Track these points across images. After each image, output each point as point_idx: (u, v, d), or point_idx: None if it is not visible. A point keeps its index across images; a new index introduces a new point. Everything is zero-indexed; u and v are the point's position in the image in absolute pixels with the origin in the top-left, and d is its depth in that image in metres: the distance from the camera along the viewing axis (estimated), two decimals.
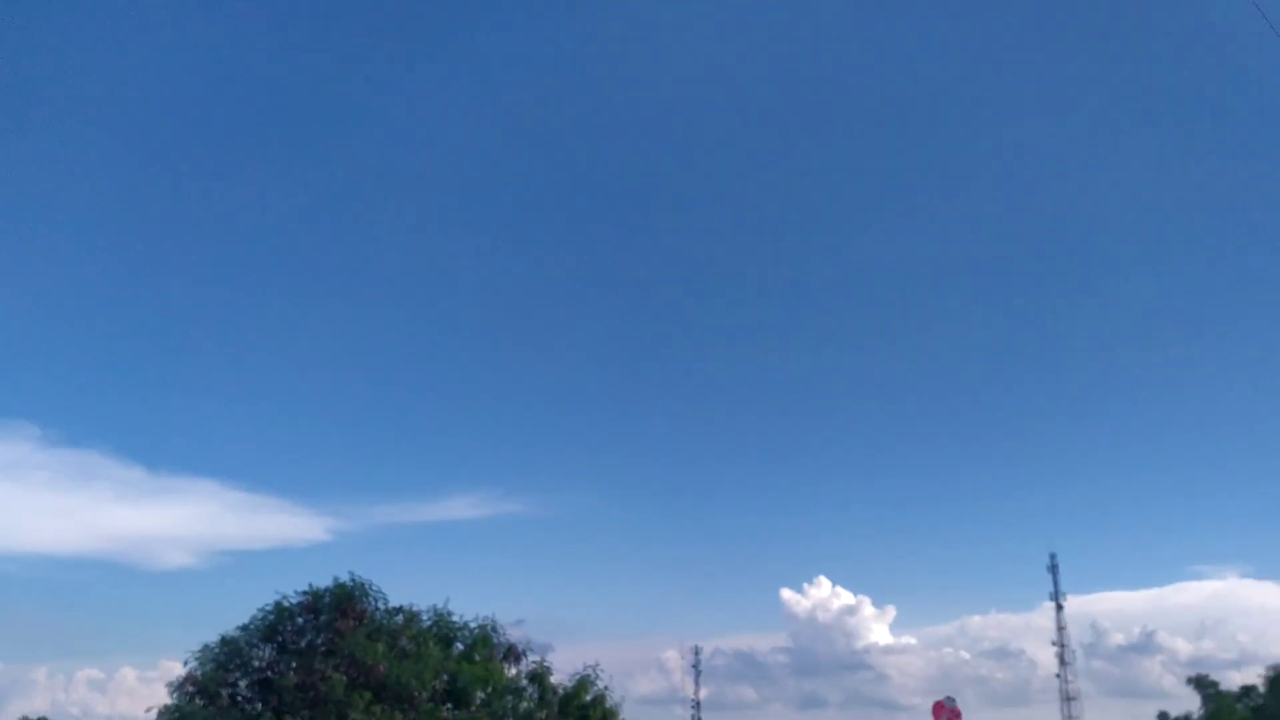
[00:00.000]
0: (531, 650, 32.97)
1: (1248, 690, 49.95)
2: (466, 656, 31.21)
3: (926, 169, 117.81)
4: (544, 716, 31.64)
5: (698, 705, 70.23)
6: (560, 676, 32.92)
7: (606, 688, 33.15)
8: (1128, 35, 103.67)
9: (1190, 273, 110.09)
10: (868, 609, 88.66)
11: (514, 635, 32.89)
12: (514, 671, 32.29)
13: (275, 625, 29.44)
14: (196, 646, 28.62)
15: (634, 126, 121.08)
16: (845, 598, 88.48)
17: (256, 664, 29.21)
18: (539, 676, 32.56)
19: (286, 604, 29.72)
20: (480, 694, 30.60)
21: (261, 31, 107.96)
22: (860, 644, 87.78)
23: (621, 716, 33.23)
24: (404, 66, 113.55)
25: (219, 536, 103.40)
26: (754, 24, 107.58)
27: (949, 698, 30.24)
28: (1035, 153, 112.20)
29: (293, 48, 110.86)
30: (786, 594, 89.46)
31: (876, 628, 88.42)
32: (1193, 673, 53.28)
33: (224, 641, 28.95)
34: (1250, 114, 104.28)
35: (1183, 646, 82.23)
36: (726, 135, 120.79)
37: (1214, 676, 52.09)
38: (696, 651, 72.34)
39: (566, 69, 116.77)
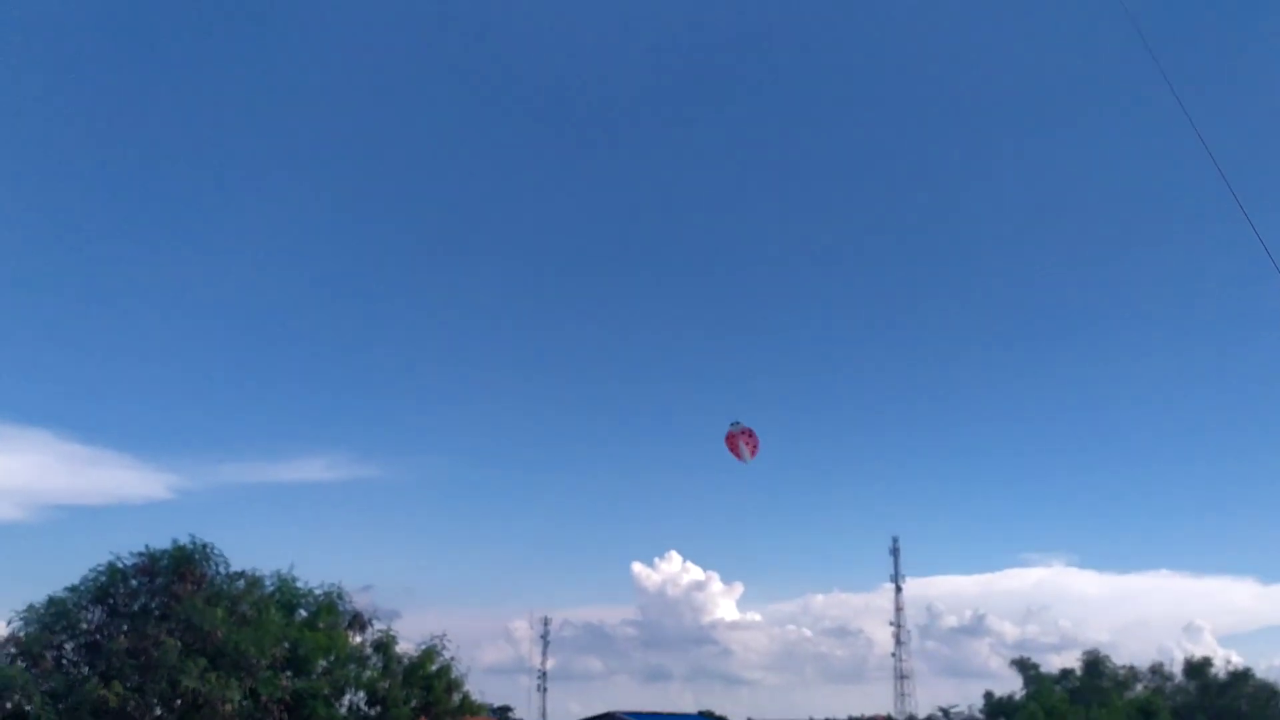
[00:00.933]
0: (378, 618, 32.96)
1: (1066, 673, 53.74)
2: (310, 624, 30.93)
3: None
4: (388, 686, 31.66)
5: (544, 675, 71.41)
6: (407, 645, 33.05)
7: (453, 658, 33.40)
8: None
9: (1041, 278, 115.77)
10: (716, 585, 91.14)
11: (360, 602, 32.80)
12: (359, 640, 32.21)
13: (107, 587, 28.52)
14: (21, 606, 27.60)
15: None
16: (695, 573, 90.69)
17: (85, 627, 28.27)
18: (384, 645, 32.56)
19: (120, 565, 28.81)
20: (323, 662, 30.45)
21: None
22: (707, 619, 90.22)
23: (467, 687, 33.50)
24: None
25: (50, 490, 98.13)
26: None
27: (734, 423, 29.08)
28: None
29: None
30: (637, 567, 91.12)
31: (724, 603, 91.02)
32: (1017, 655, 56.84)
33: (51, 602, 27.92)
34: None
35: (1010, 630, 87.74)
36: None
37: (1036, 659, 55.83)
38: (545, 622, 73.51)
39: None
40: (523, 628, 76.93)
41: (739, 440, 28.39)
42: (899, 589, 74.05)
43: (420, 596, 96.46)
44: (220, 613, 28.21)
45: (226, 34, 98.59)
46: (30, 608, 27.64)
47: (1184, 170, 79.45)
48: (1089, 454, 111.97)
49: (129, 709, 25.92)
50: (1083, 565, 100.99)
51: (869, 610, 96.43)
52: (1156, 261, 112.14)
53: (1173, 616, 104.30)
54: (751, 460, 28.87)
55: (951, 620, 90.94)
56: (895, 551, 74.50)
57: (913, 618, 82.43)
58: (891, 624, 74.52)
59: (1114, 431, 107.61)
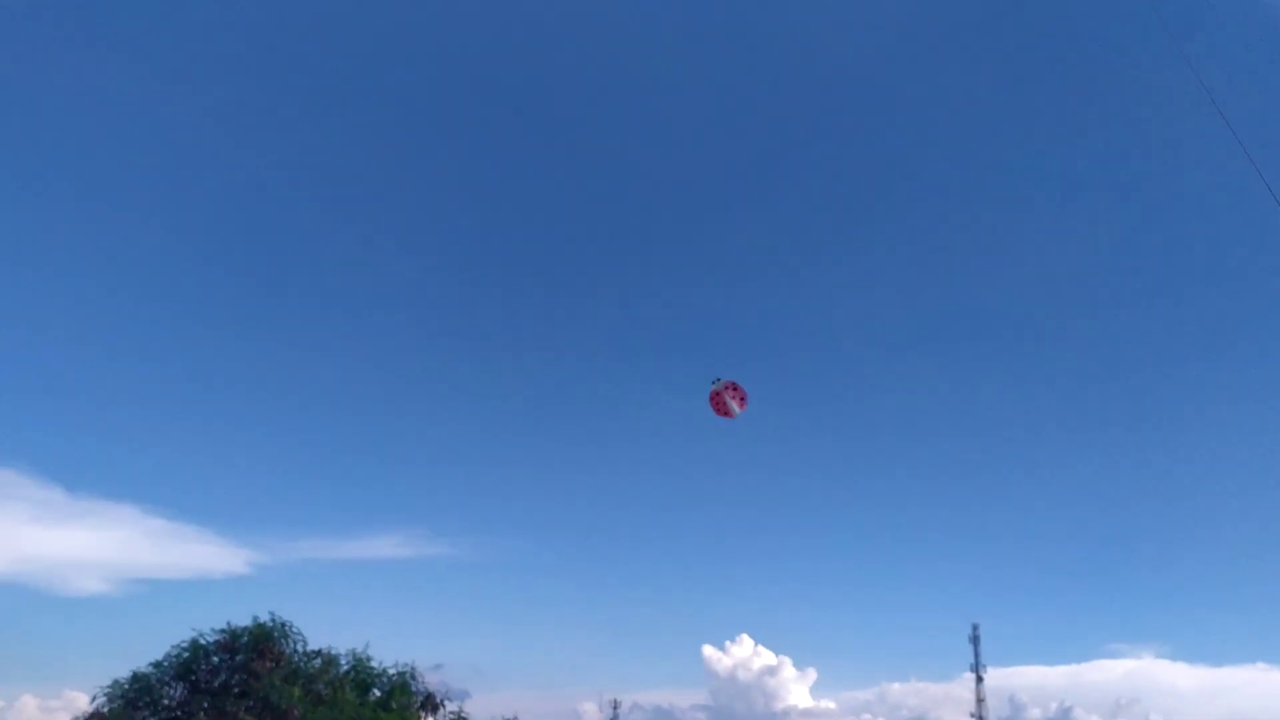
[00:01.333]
0: (450, 698, 32.90)
1: None
2: (383, 704, 31.00)
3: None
4: None
5: None
6: None
7: None
8: None
9: (1124, 368, 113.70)
10: (789, 670, 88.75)
11: (432, 682, 32.81)
12: None
13: (189, 663, 29.04)
14: (104, 677, 28.32)
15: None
16: (767, 657, 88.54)
17: (167, 702, 28.72)
18: None
19: (202, 641, 29.36)
20: None
21: None
22: (780, 705, 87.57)
23: None
24: None
25: (135, 564, 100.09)
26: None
27: (715, 380, 26.71)
28: None
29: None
30: (708, 651, 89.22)
31: (796, 689, 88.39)
32: None
33: (135, 678, 28.50)
34: None
35: None
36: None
37: None
38: (615, 705, 72.14)
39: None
40: (591, 710, 75.84)
41: (724, 397, 26.46)
42: (980, 679, 71.49)
43: (490, 676, 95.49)
44: (297, 691, 28.49)
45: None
46: (115, 683, 28.29)
47: None
48: (1180, 541, 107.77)
49: None
50: (1175, 657, 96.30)
51: (948, 700, 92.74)
52: (1250, 351, 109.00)
53: (1270, 711, 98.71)
54: (742, 413, 26.60)
55: (1036, 713, 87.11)
56: (975, 639, 72.08)
57: (995, 709, 79.09)
58: (972, 715, 71.78)
59: (1208, 519, 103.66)
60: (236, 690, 28.70)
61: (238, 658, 29.30)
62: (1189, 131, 77.26)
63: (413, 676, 32.26)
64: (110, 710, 27.70)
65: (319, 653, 31.12)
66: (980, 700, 70.94)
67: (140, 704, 28.24)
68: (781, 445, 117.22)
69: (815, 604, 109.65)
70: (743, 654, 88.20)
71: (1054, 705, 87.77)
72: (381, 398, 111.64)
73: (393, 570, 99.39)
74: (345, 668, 31.42)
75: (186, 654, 29.07)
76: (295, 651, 30.37)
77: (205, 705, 28.33)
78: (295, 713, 27.88)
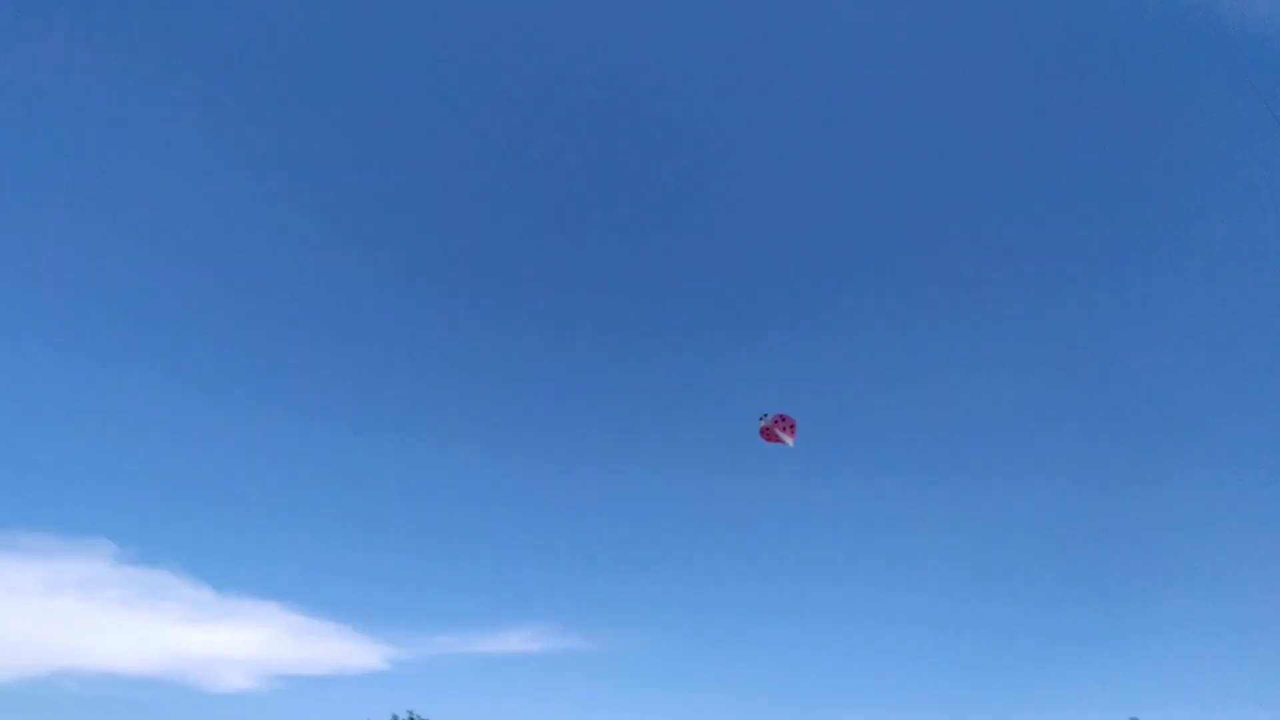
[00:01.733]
0: None
1: None
2: None
3: None
4: None
5: None
6: None
7: None
8: None
9: None
10: None
11: None
12: None
13: None
14: None
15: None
16: None
17: None
18: None
19: None
20: None
21: None
22: None
23: None
24: None
25: (279, 660, 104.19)
26: None
27: (763, 416, 26.81)
28: None
29: None
30: None
31: None
32: None
33: None
34: None
35: None
36: None
37: None
38: None
39: None
40: None
41: (775, 431, 27.97)
42: None
43: None
44: None
45: None
46: None
47: None
48: None
49: None
50: None
51: None
52: None
53: None
54: (794, 442, 28.19)
55: None
56: None
57: None
58: None
59: None
60: None
61: None
62: None
63: None
64: None
65: None
66: None
67: None
68: (938, 552, 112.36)
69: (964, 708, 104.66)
70: None
71: None
72: (513, 492, 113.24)
73: (526, 664, 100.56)
74: None
75: None
76: None
77: None
78: None
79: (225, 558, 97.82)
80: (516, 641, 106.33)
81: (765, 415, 28.21)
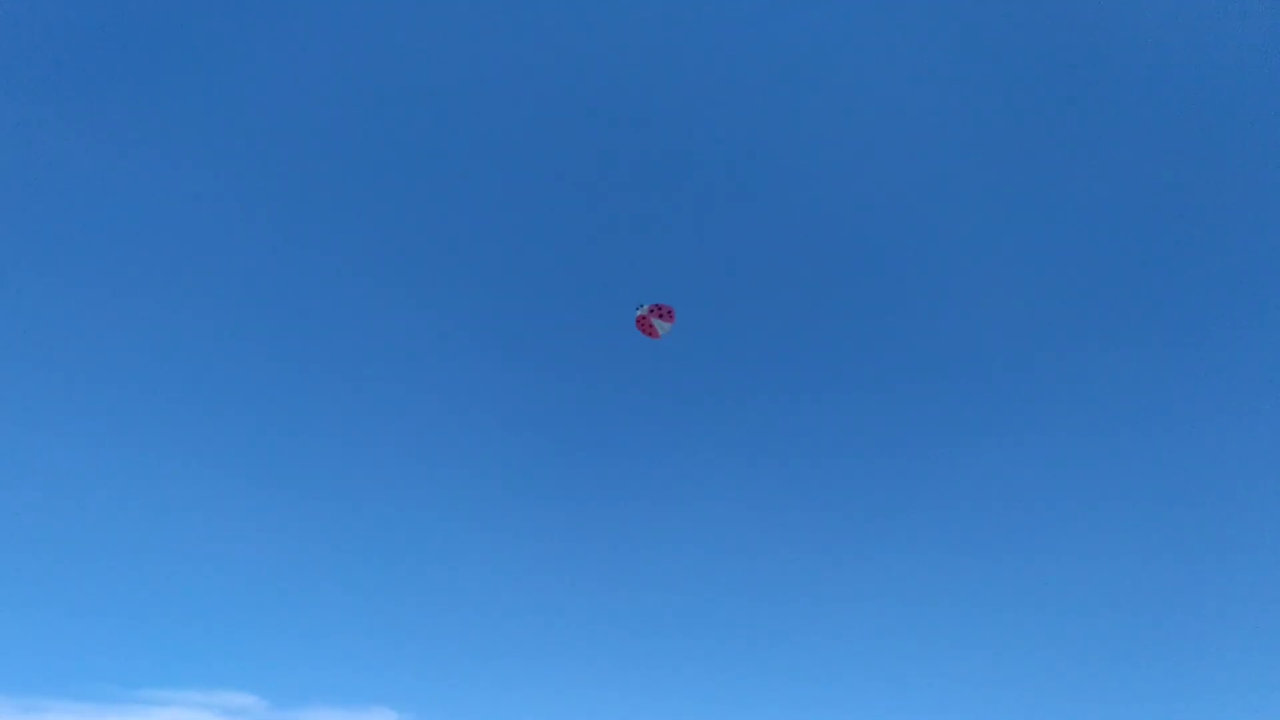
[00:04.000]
0: None
1: None
2: None
3: None
4: None
5: None
6: None
7: None
8: None
9: None
10: None
11: None
12: None
13: None
14: None
15: None
16: None
17: None
18: None
19: None
20: None
21: None
22: None
23: None
24: None
25: None
26: None
27: (639, 306, 26.57)
28: None
29: None
30: None
31: None
32: None
33: None
34: None
35: None
36: None
37: None
38: None
39: None
40: None
41: (650, 320, 28.06)
42: None
43: None
44: None
45: None
46: None
47: None
48: None
49: None
50: None
51: None
52: None
53: None
54: (669, 328, 28.10)
55: None
56: None
57: None
58: None
59: None
60: None
61: None
62: None
63: None
64: None
65: None
66: None
67: None
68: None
69: None
70: None
71: None
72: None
73: None
74: None
75: None
76: None
77: None
78: None
79: (435, 698, 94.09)
80: None
81: (642, 305, 27.97)
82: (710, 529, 73.79)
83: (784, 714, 62.27)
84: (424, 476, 74.29)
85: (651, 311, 27.71)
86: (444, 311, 79.29)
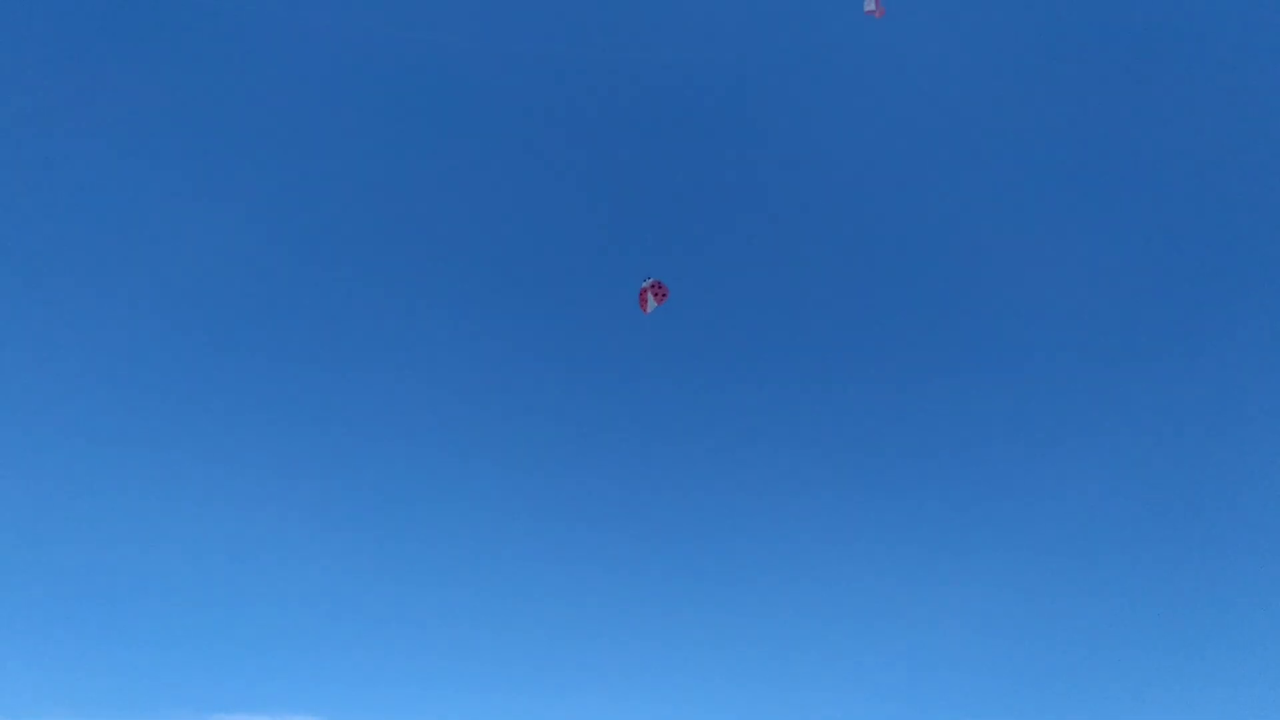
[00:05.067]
0: None
1: None
2: None
3: None
4: None
5: None
6: None
7: None
8: None
9: None
10: None
11: None
12: None
13: None
14: None
15: None
16: None
17: None
18: None
19: None
20: None
21: None
22: None
23: None
24: None
25: None
26: None
27: (647, 279, 29.23)
28: None
29: None
30: None
31: None
32: None
33: None
34: None
35: None
36: None
37: None
38: None
39: None
40: None
41: (647, 294, 29.31)
42: None
43: None
44: None
45: None
46: None
47: None
48: None
49: None
50: None
51: None
52: None
53: None
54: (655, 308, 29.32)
55: None
56: None
57: None
58: None
59: None
60: None
61: None
62: None
63: None
64: None
65: None
66: None
67: None
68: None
69: None
70: None
71: None
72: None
73: None
74: None
75: None
76: None
77: None
78: None
79: None
80: None
81: (648, 279, 29.81)
82: (712, 522, 73.64)
83: (784, 711, 61.96)
84: (469, 507, 73.95)
85: (653, 286, 29.15)
86: (444, 311, 78.64)
